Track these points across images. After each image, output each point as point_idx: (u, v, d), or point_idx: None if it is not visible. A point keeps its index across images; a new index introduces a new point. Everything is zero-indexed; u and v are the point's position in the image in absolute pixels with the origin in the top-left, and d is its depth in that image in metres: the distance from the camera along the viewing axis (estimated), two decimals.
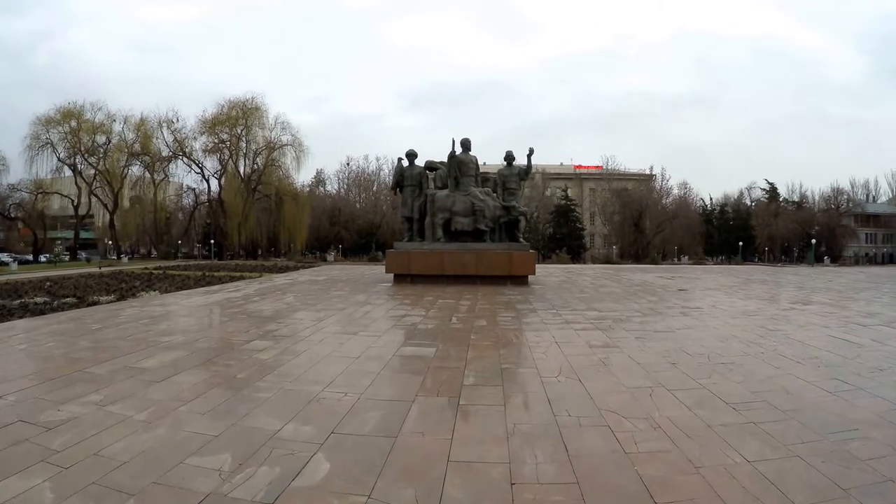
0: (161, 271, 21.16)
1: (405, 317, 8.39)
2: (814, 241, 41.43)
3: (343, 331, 7.12)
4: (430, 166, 15.28)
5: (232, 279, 17.82)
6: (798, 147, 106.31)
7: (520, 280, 13.78)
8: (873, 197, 71.32)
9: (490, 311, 8.98)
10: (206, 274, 19.53)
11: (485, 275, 13.53)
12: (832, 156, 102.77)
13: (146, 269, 23.57)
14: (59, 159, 45.66)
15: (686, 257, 49.48)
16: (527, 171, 15.33)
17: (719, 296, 12.11)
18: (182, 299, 11.20)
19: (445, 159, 14.45)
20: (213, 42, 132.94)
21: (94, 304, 10.49)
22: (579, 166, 74.23)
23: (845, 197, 61.28)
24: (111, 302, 10.78)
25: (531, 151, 14.90)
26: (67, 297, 11.61)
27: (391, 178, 16.77)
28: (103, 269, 23.30)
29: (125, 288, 13.78)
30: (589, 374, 4.85)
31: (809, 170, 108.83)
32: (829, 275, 23.00)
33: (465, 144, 14.69)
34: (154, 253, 50.40)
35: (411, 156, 15.43)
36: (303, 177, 64.31)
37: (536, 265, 15.32)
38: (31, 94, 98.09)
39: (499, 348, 6.00)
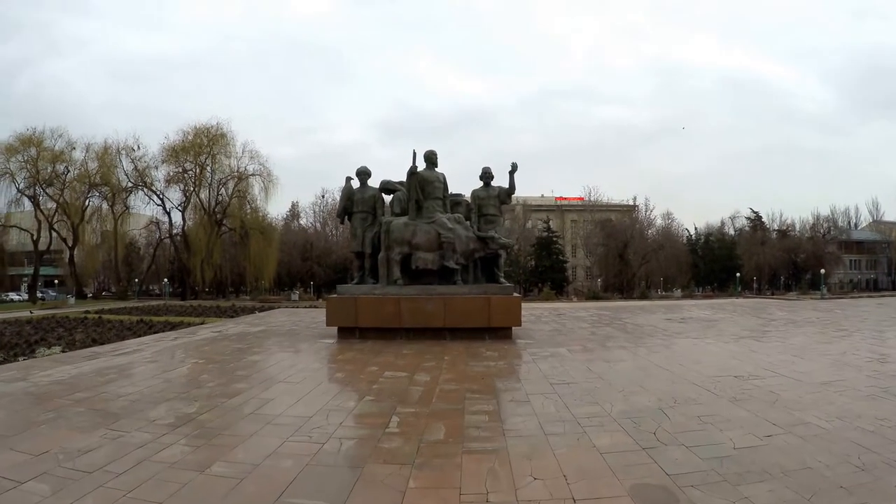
0: (97, 316, 18.71)
1: (319, 414, 5.21)
2: (822, 270, 39.13)
3: (187, 459, 3.93)
4: (387, 187, 11.97)
5: (168, 326, 15.36)
6: (772, 176, 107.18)
7: (502, 333, 10.54)
8: (854, 224, 71.53)
9: (456, 398, 5.80)
10: (144, 319, 17.43)
11: (455, 327, 10.27)
12: (805, 185, 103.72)
13: (86, 312, 21.01)
14: (18, 190, 41.60)
15: (678, 290, 46.82)
16: (509, 192, 12.05)
17: (767, 350, 9.17)
18: (34, 373, 7.80)
19: (405, 178, 11.27)
20: (190, 76, 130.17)
21: None
22: (561, 198, 72.46)
23: (827, 226, 60.74)
24: None
25: (514, 168, 11.75)
26: None
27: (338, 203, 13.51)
28: (35, 314, 20.81)
29: (32, 342, 11.42)
30: None
31: (785, 199, 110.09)
32: (847, 308, 20.48)
33: (430, 158, 11.42)
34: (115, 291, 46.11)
35: (363, 174, 12.07)
36: (276, 210, 60.19)
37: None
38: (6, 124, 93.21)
39: None
